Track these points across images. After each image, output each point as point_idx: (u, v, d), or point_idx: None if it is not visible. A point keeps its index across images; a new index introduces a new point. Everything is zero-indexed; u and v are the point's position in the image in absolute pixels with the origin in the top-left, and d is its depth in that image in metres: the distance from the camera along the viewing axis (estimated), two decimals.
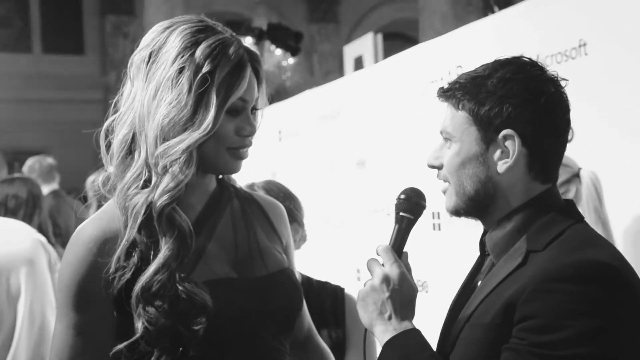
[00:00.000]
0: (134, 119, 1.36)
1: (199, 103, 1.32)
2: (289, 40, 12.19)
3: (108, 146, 1.42)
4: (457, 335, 1.26)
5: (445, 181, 1.34)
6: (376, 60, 5.41)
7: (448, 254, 3.23)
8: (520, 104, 1.25)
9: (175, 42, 1.35)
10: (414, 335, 1.27)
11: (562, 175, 2.40)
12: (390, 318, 1.28)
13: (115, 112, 1.41)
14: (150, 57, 1.36)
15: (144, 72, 1.37)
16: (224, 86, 1.33)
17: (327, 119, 4.53)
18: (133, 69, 1.39)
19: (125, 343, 1.32)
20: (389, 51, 4.98)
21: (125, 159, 1.37)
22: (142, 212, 1.32)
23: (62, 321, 1.37)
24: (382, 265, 1.32)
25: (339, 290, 2.40)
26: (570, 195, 2.38)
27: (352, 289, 2.27)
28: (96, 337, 1.35)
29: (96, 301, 1.34)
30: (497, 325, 1.19)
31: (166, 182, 1.32)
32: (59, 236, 3.79)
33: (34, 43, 15.03)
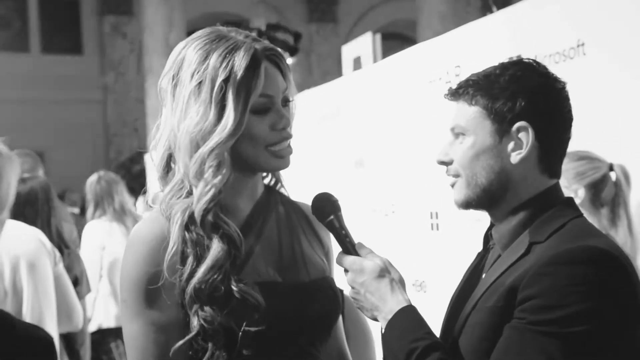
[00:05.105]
0: (168, 138, 1.45)
1: (222, 110, 1.39)
2: (287, 40, 12.17)
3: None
4: (464, 321, 1.32)
5: (455, 176, 1.39)
6: (375, 61, 5.40)
7: (446, 254, 3.23)
8: (532, 98, 1.32)
9: (190, 59, 1.42)
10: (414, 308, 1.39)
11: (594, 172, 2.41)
12: (401, 294, 1.39)
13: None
14: (173, 80, 1.44)
15: (170, 94, 1.45)
16: (242, 88, 1.39)
17: (326, 118, 4.53)
18: (162, 93, 1.48)
19: (183, 340, 1.36)
20: (387, 51, 4.98)
21: (165, 176, 1.47)
22: (181, 219, 1.39)
23: (137, 321, 1.39)
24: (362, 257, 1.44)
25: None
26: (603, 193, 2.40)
27: None
28: (176, 330, 1.38)
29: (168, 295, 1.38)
30: (500, 308, 1.25)
31: (200, 188, 1.39)
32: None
33: (33, 43, 15.02)
